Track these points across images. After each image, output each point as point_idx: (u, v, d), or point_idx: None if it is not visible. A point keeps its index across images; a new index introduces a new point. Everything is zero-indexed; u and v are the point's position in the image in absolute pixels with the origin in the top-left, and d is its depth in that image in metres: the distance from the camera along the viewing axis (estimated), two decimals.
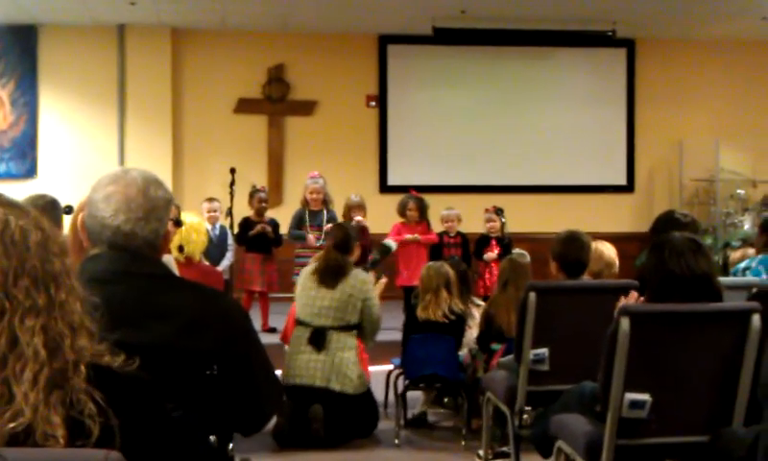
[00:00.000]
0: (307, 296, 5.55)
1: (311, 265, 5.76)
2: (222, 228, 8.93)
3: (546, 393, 4.29)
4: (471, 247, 8.89)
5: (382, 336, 6.00)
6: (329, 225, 7.75)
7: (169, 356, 1.99)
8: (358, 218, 8.14)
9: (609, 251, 4.98)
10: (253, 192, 9.19)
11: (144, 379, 1.54)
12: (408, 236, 8.69)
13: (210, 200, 9.08)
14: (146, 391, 1.56)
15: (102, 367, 1.45)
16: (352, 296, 5.49)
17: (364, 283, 5.58)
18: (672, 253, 3.24)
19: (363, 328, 5.57)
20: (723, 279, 3.55)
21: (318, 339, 5.45)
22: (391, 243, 7.49)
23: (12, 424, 1.33)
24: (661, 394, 3.21)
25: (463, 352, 5.83)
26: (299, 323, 5.61)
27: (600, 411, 3.31)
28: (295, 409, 5.32)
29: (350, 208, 8.69)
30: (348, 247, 5.64)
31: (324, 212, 8.50)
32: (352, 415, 5.48)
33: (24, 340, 1.38)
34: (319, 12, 11.05)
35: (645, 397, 3.19)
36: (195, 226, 4.78)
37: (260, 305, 9.12)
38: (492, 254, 8.62)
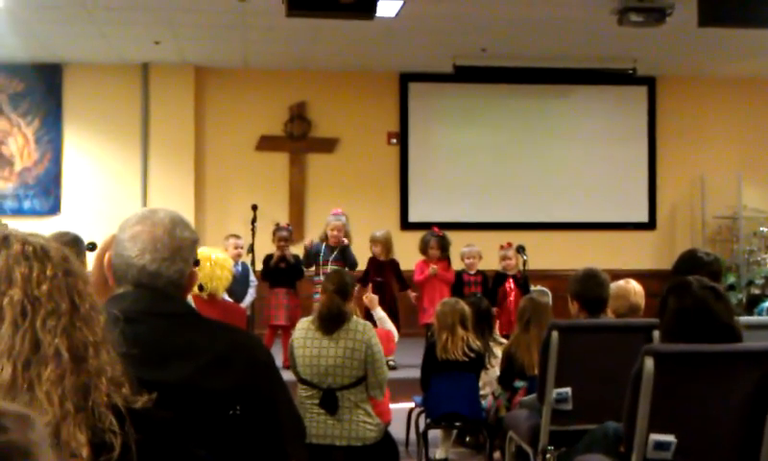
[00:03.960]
0: (310, 355, 5.26)
1: (308, 318, 5.47)
2: (243, 265, 8.96)
3: (569, 433, 4.25)
4: (490, 284, 8.84)
5: (404, 373, 5.98)
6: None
7: (192, 396, 1.98)
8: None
9: (635, 296, 4.88)
10: (276, 230, 9.24)
11: (168, 419, 1.55)
12: (430, 269, 8.75)
13: (236, 236, 9.12)
14: (170, 431, 1.56)
15: (126, 409, 1.47)
16: (356, 350, 5.20)
17: (365, 330, 5.27)
18: (693, 299, 3.21)
19: (368, 380, 5.21)
20: (746, 319, 3.53)
21: (329, 403, 5.22)
22: None
23: None
24: (687, 435, 3.17)
25: (484, 392, 5.79)
26: (302, 382, 5.34)
27: (624, 452, 3.27)
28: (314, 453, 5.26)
29: (372, 243, 8.92)
30: (346, 293, 5.38)
31: (338, 249, 8.67)
32: (372, 457, 5.42)
33: (46, 341, 1.41)
34: (340, 51, 11.13)
35: (670, 438, 3.16)
36: (220, 261, 4.70)
37: (282, 342, 9.12)
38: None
